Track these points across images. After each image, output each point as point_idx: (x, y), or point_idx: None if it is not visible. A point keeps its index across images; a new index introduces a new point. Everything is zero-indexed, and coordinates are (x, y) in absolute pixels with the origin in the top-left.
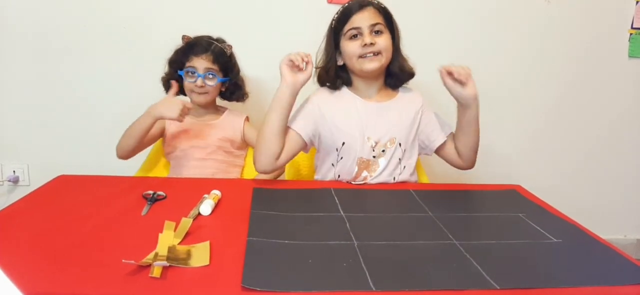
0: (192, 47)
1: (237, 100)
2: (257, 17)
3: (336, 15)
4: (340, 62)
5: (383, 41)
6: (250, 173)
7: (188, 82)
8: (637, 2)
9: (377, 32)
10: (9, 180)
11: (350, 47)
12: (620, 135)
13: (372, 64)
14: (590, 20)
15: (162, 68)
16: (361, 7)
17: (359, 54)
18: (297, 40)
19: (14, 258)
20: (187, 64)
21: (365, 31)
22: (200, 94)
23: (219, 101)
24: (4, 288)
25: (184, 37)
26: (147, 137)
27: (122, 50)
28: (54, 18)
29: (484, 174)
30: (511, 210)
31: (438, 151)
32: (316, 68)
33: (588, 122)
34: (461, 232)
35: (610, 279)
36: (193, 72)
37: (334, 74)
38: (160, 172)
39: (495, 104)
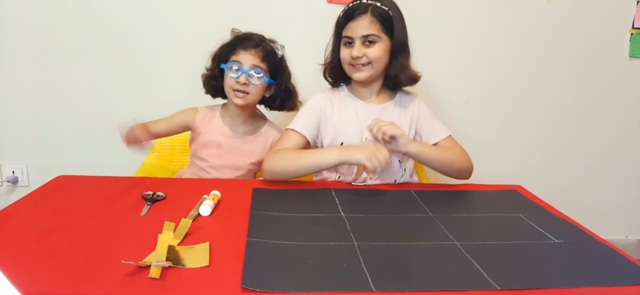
0: (241, 40)
1: (289, 109)
2: (257, 17)
3: (340, 14)
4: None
5: (374, 52)
6: None
7: (230, 78)
8: (638, 2)
9: (371, 42)
10: (9, 181)
11: (343, 53)
12: (620, 135)
13: (360, 74)
14: (591, 20)
15: (163, 70)
16: (358, 14)
17: (348, 62)
18: (297, 40)
19: (13, 258)
20: (232, 58)
21: (357, 42)
22: (241, 94)
23: (264, 110)
24: (4, 288)
25: (233, 30)
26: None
27: (122, 51)
28: (54, 19)
29: (484, 174)
30: (512, 210)
31: None
32: (323, 64)
33: (588, 122)
34: (462, 232)
35: (611, 280)
36: (237, 67)
37: (337, 71)
38: (160, 172)
39: (495, 104)
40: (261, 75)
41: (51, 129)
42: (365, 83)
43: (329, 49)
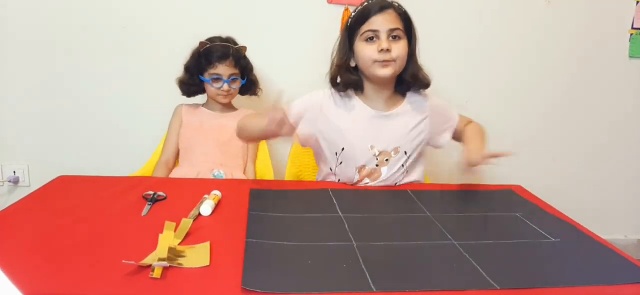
0: (212, 53)
1: (252, 94)
2: (257, 17)
3: (353, 14)
4: (353, 64)
5: (399, 48)
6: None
7: (213, 89)
8: (638, 2)
9: (395, 38)
10: (9, 181)
11: (364, 50)
12: (620, 135)
13: (385, 71)
14: (591, 21)
15: (164, 69)
16: (382, 8)
17: (373, 59)
18: (297, 39)
19: (14, 258)
20: (211, 71)
21: (383, 35)
22: (225, 96)
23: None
24: (4, 288)
25: (200, 43)
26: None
27: (123, 51)
28: (54, 19)
29: (483, 173)
30: (510, 210)
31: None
32: (331, 69)
33: (588, 122)
34: (460, 232)
35: (608, 278)
36: (218, 79)
37: (346, 76)
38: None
39: (495, 104)
40: (238, 79)
41: (52, 129)
42: (379, 85)
43: (336, 53)
